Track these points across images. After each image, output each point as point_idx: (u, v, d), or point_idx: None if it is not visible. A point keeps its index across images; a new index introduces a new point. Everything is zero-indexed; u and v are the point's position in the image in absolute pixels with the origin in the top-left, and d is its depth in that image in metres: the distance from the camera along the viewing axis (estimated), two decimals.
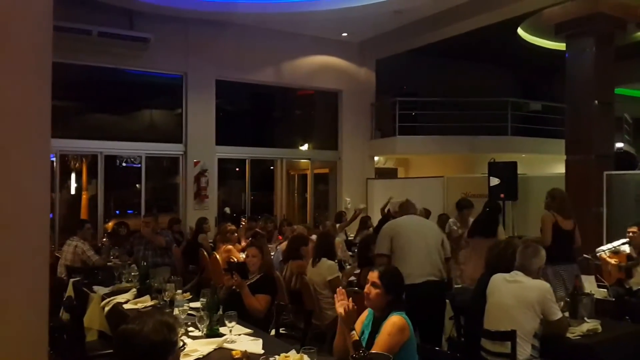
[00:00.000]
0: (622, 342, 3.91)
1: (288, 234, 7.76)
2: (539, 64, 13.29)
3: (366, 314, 3.19)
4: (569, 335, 3.71)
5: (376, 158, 12.28)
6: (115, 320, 4.32)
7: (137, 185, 9.94)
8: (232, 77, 10.42)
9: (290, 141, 11.98)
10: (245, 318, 3.89)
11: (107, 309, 4.66)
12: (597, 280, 5.64)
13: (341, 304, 2.95)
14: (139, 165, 9.82)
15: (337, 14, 9.34)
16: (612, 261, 6.20)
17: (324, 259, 5.38)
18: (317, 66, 11.23)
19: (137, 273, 5.16)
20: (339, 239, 7.89)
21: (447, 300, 4.87)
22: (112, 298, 4.77)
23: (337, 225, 8.63)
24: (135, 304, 4.52)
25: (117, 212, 10.32)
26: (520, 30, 11.04)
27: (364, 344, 2.94)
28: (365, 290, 3.14)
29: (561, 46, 8.20)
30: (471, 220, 7.41)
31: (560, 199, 5.71)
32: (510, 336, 3.51)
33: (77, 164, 10.11)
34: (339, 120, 11.71)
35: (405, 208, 5.26)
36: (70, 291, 5.74)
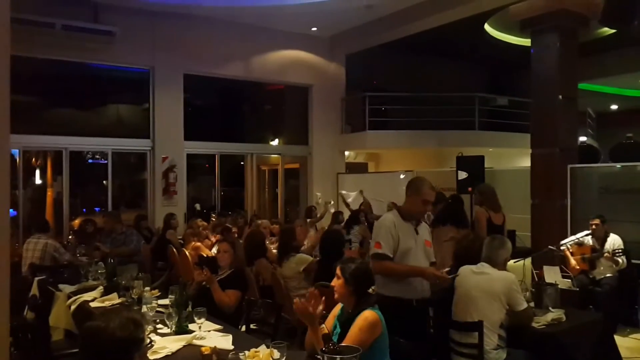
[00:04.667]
0: (586, 331, 4.02)
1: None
2: (505, 60, 13.49)
3: (339, 308, 3.18)
4: (534, 324, 3.80)
5: (347, 153, 12.32)
6: (81, 318, 4.23)
7: (103, 181, 9.76)
8: (200, 72, 10.29)
9: (260, 136, 11.93)
10: (215, 314, 3.87)
11: (73, 307, 4.58)
12: (561, 270, 5.79)
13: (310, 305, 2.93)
14: (106, 162, 9.65)
15: (307, 8, 9.31)
16: (573, 260, 6.39)
17: (291, 255, 5.44)
18: (287, 61, 11.18)
19: (104, 270, 5.09)
20: (312, 233, 7.92)
21: None
22: (78, 296, 4.68)
23: (308, 220, 8.64)
24: (103, 301, 4.45)
25: (84, 210, 10.12)
26: (487, 26, 11.19)
27: (335, 339, 2.93)
28: (332, 283, 3.14)
29: (527, 42, 8.33)
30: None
31: (488, 194, 5.84)
32: (477, 327, 3.57)
33: (41, 161, 9.87)
34: (309, 115, 11.70)
35: None
36: (35, 290, 5.62)
